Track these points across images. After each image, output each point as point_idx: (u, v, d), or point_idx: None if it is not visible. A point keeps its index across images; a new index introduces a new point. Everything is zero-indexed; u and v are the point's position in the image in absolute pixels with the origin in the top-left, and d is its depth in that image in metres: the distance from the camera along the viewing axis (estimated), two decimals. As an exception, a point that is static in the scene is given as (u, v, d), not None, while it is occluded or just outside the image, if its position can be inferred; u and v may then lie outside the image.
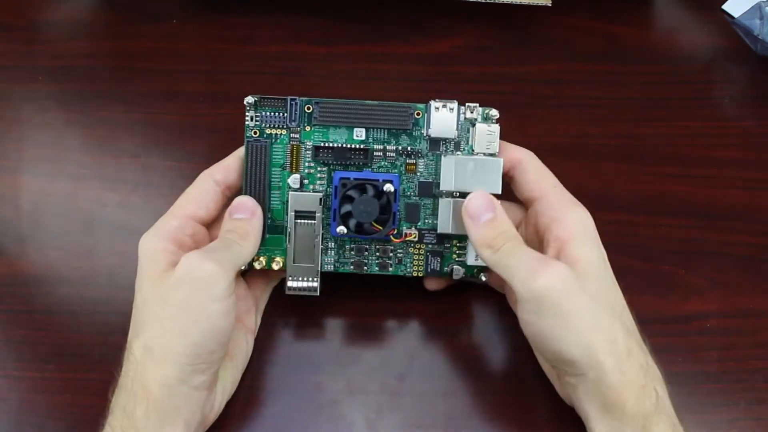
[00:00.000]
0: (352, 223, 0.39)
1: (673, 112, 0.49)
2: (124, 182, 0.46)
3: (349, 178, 0.40)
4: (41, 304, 0.44)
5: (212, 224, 0.41)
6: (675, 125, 0.49)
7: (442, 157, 0.40)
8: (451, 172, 0.40)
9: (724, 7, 0.51)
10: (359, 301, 0.44)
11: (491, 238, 0.37)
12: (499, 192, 0.39)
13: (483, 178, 0.39)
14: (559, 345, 0.35)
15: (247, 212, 0.39)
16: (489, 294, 0.44)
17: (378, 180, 0.40)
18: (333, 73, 0.50)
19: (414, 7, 0.52)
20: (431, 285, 0.43)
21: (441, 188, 0.40)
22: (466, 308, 0.44)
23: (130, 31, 0.51)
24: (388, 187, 0.39)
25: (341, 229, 0.39)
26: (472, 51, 0.51)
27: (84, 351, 0.42)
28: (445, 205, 0.40)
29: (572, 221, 0.38)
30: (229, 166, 0.40)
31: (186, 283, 0.36)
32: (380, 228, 0.39)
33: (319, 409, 0.41)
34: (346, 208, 0.39)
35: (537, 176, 0.40)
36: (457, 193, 0.40)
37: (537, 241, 0.40)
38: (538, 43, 0.51)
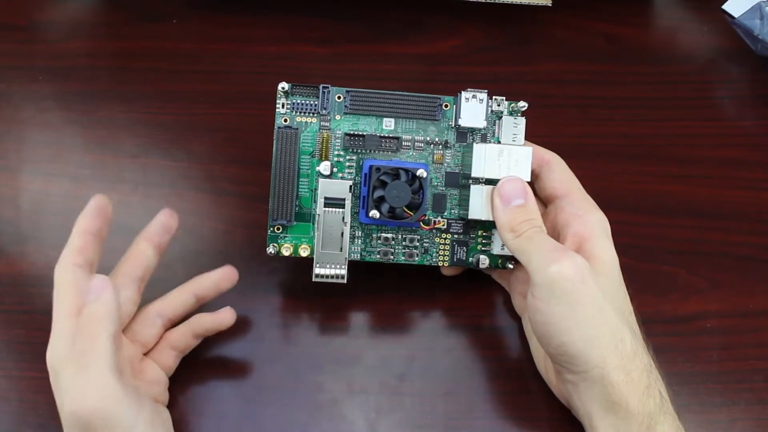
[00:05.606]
0: (384, 208, 0.39)
1: (673, 112, 0.49)
2: (124, 182, 0.46)
3: (379, 166, 0.40)
4: (41, 304, 0.43)
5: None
6: (675, 125, 0.49)
7: (474, 144, 0.41)
8: (482, 159, 0.40)
9: (724, 7, 0.51)
10: (359, 302, 0.44)
11: (517, 223, 0.38)
12: (528, 179, 0.39)
13: (513, 167, 0.40)
14: (564, 337, 0.35)
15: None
16: (489, 295, 0.44)
17: (409, 167, 0.40)
18: (333, 73, 0.50)
19: (414, 7, 0.52)
20: (448, 271, 0.43)
21: (472, 175, 0.40)
22: (466, 309, 0.44)
23: (130, 31, 0.51)
24: (422, 172, 0.39)
25: (374, 213, 0.39)
26: (472, 51, 0.51)
27: (84, 351, 0.42)
28: (477, 191, 0.40)
29: (593, 220, 0.39)
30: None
31: None
32: (411, 213, 0.40)
33: (319, 409, 0.41)
34: (379, 192, 0.39)
35: (563, 176, 0.41)
36: (483, 180, 0.40)
37: (552, 237, 0.40)
38: (538, 43, 0.51)
